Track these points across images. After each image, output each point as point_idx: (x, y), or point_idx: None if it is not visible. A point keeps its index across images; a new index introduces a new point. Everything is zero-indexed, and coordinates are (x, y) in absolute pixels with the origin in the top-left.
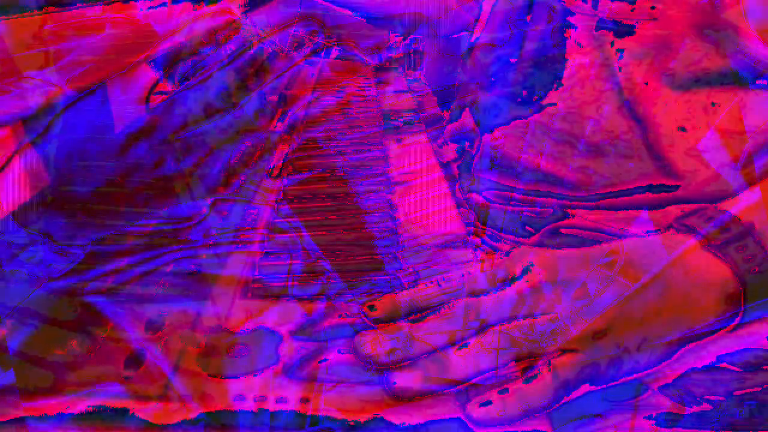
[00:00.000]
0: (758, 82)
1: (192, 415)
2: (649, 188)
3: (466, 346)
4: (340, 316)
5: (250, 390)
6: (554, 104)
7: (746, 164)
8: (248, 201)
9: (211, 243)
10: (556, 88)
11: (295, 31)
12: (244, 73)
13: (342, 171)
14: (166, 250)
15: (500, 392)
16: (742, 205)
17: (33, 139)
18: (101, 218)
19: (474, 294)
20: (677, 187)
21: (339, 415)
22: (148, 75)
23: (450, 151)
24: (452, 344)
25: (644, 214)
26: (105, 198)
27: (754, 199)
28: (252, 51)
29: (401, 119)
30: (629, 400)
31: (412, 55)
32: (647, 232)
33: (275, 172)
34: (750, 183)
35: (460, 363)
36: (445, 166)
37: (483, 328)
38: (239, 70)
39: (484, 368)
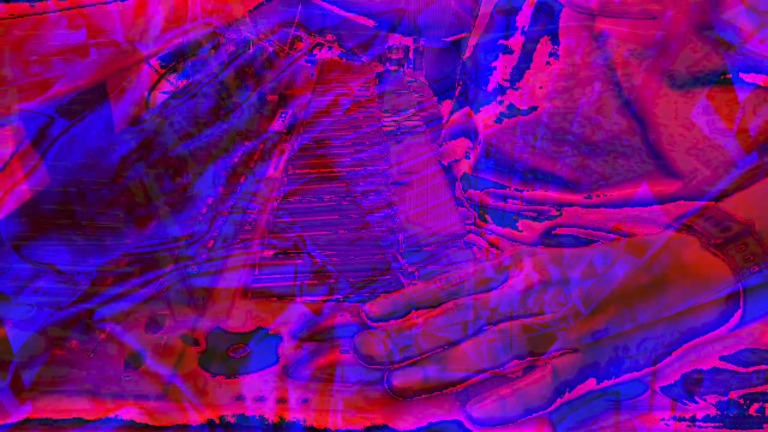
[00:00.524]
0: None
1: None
2: (649, 187)
3: (478, 337)
4: (341, 315)
5: (251, 391)
6: (537, 107)
7: (741, 128)
8: (246, 211)
9: (211, 256)
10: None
11: (287, 34)
12: (243, 73)
13: (342, 171)
14: (170, 269)
15: (500, 392)
16: (742, 204)
17: (28, 171)
18: (103, 243)
19: (482, 284)
20: (677, 186)
21: (342, 416)
22: (140, 90)
23: (449, 150)
24: (465, 337)
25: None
26: (105, 222)
27: (754, 199)
28: (250, 51)
29: (401, 119)
30: (629, 399)
31: (412, 54)
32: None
33: (276, 174)
34: (746, 149)
35: (474, 354)
36: (444, 165)
37: (494, 318)
38: (238, 69)
39: (498, 358)
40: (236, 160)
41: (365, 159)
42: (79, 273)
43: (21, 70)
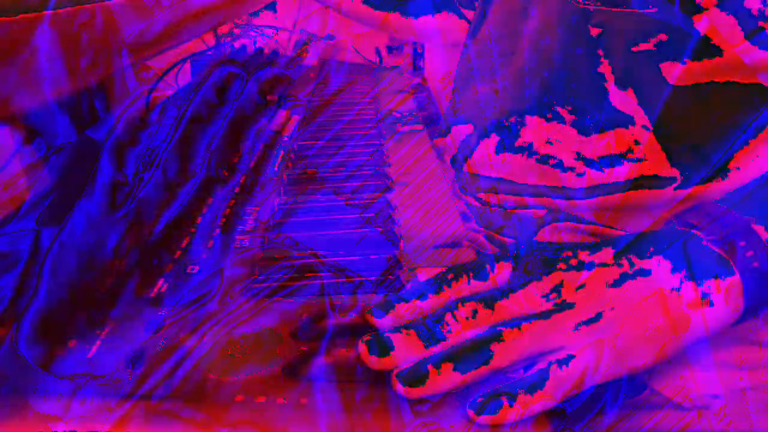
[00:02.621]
0: None
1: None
2: (648, 184)
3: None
4: (341, 315)
5: (249, 390)
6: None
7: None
8: (246, 249)
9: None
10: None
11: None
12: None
13: (326, 175)
14: (201, 332)
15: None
16: (741, 200)
17: (33, 292)
18: (127, 333)
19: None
20: (676, 181)
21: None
22: (106, 176)
23: (448, 149)
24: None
25: None
26: (121, 314)
27: (754, 194)
28: (250, 51)
29: (400, 119)
30: (628, 399)
31: (412, 56)
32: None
33: (276, 176)
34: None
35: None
36: (443, 163)
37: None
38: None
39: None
40: (223, 204)
41: (365, 159)
42: (117, 370)
43: None
